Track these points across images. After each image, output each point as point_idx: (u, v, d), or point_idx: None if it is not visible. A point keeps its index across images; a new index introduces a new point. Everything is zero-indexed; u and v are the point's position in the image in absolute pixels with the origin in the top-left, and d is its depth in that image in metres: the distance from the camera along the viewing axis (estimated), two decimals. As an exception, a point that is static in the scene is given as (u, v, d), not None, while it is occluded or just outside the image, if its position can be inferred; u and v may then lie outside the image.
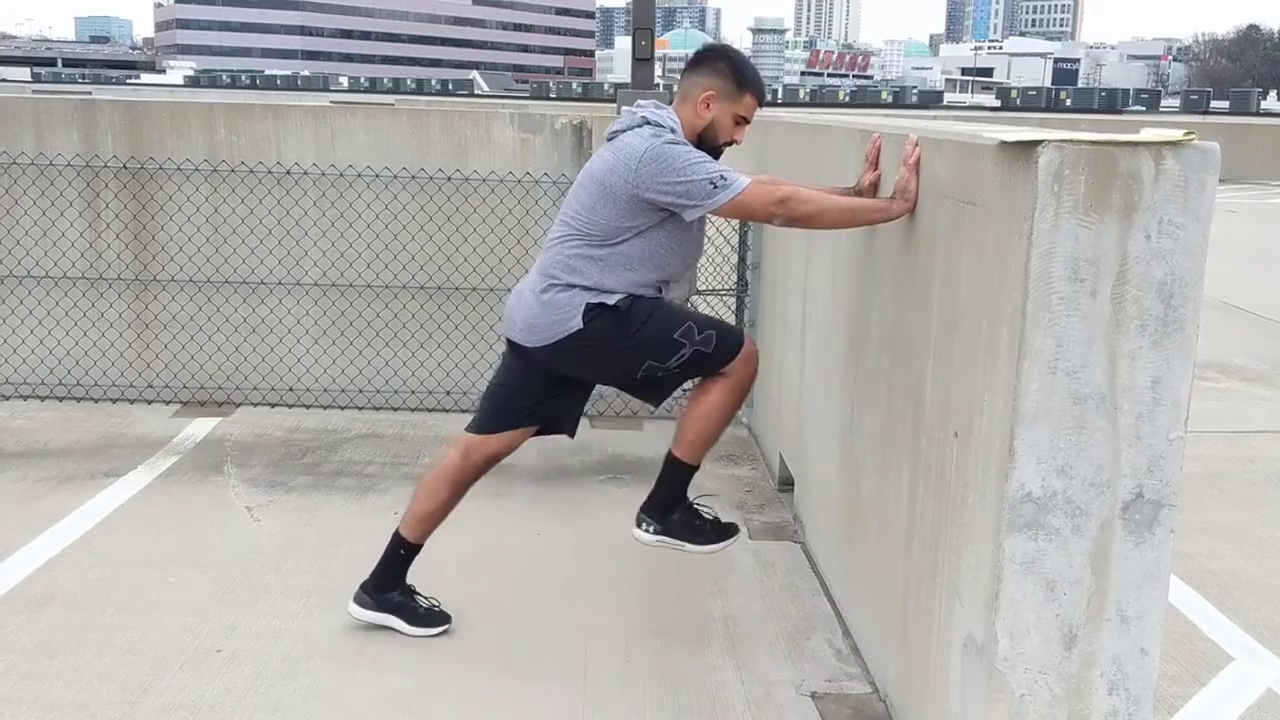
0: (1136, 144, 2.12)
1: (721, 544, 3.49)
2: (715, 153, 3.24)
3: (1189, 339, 2.20)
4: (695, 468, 3.44)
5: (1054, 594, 2.29)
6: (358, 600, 3.48)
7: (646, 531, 3.44)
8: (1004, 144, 2.26)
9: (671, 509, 3.44)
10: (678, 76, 3.63)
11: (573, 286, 3.17)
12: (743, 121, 3.28)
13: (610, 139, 3.22)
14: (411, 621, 3.45)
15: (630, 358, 3.22)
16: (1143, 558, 2.28)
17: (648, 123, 3.15)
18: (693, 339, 3.20)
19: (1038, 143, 2.14)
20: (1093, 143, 2.12)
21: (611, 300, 3.15)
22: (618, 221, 3.12)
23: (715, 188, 3.00)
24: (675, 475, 3.43)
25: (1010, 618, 2.31)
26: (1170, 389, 2.22)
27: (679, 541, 3.44)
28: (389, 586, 3.47)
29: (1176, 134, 2.14)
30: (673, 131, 3.13)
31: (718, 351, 3.25)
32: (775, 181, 3.11)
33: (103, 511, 4.42)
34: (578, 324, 3.15)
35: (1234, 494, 4.99)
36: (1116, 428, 2.23)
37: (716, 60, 3.28)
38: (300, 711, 3.06)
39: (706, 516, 3.49)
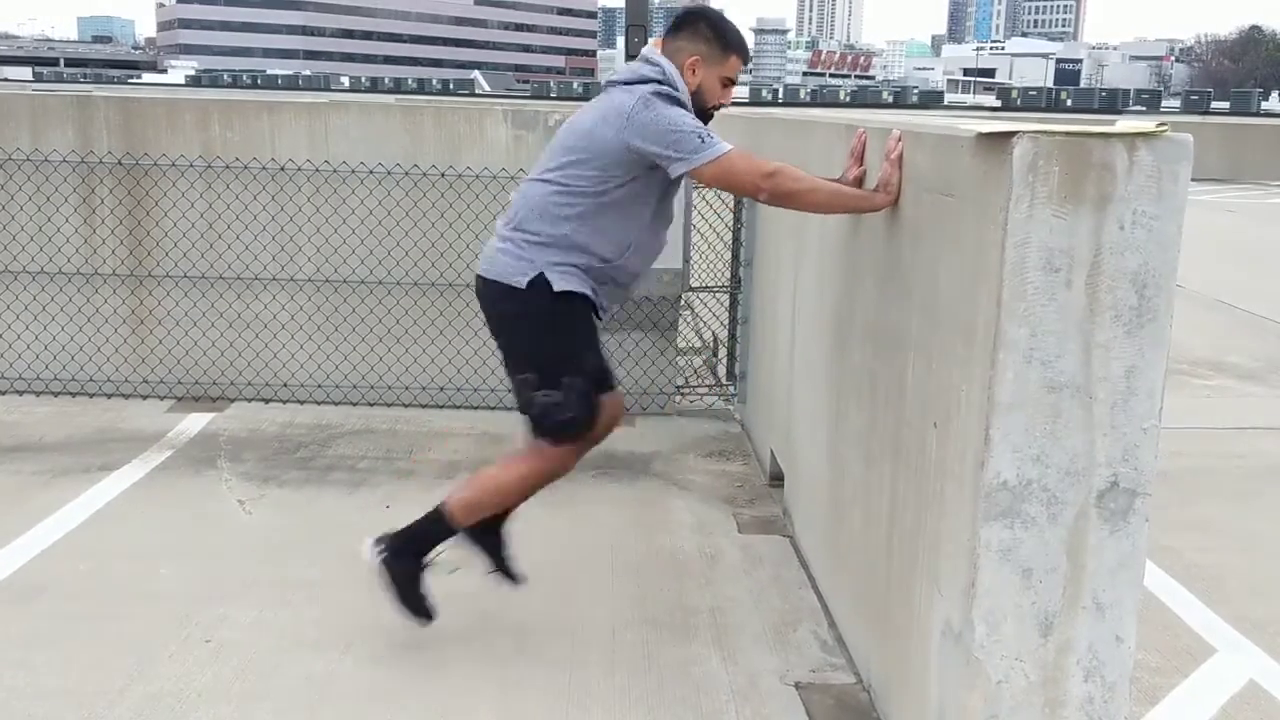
0: (1110, 135, 2.14)
1: (411, 616, 3.31)
2: (705, 116, 3.24)
3: (1162, 329, 2.22)
4: (457, 532, 3.31)
5: (1030, 582, 2.31)
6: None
7: (375, 551, 3.28)
8: (981, 136, 2.28)
9: (405, 556, 3.28)
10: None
11: (539, 242, 3.15)
12: (729, 83, 3.28)
13: (606, 88, 3.23)
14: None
15: (525, 348, 3.22)
16: (1118, 546, 2.30)
17: (648, 80, 3.14)
18: (575, 387, 3.19)
19: (1013, 134, 2.16)
20: (1067, 134, 2.14)
21: (557, 285, 3.14)
22: (601, 170, 3.09)
23: (703, 142, 3.00)
24: (435, 528, 3.29)
25: (987, 605, 2.33)
26: (1144, 378, 2.24)
27: (389, 583, 3.28)
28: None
29: (1149, 125, 2.16)
30: (672, 87, 3.14)
31: (569, 414, 3.21)
32: (765, 160, 3.12)
33: (96, 505, 4.45)
34: (521, 283, 3.15)
35: (1225, 489, 5.00)
36: (1091, 417, 2.25)
37: (698, 23, 3.25)
38: (287, 701, 3.08)
39: (425, 588, 3.32)
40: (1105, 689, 2.36)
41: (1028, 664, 2.35)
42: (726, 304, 6.12)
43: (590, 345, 3.32)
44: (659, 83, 3.14)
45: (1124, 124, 2.18)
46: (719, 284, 6.17)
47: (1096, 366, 2.23)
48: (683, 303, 6.24)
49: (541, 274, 3.15)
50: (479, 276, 3.31)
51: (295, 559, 3.99)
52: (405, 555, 3.30)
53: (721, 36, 3.25)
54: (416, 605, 3.32)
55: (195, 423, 5.53)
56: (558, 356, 3.23)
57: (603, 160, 3.10)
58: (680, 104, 3.15)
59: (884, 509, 2.97)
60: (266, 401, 5.87)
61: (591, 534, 4.30)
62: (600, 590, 3.81)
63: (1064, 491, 2.28)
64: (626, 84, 3.16)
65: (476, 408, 5.76)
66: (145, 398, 5.88)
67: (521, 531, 4.29)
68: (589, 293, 3.21)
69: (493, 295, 3.25)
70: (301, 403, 5.86)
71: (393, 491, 4.65)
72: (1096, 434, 2.26)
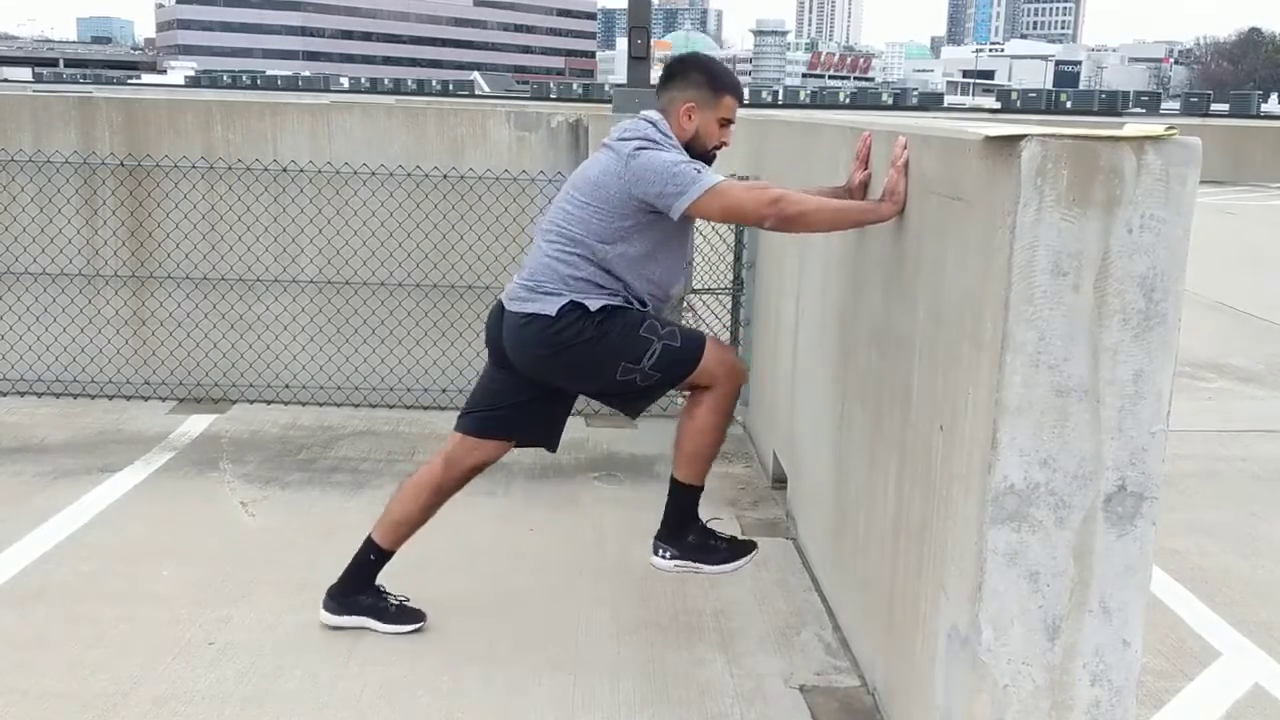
0: (1118, 139, 2.14)
1: (739, 562, 3.49)
2: (707, 158, 3.28)
3: (1170, 332, 2.22)
4: (699, 488, 3.43)
5: (1037, 585, 2.31)
6: (326, 607, 3.47)
7: (663, 558, 3.45)
8: (988, 139, 2.28)
9: (685, 532, 3.44)
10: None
11: (557, 292, 3.17)
12: (726, 124, 3.31)
13: (603, 146, 3.26)
14: (384, 619, 3.45)
15: (602, 357, 3.19)
16: (1125, 549, 2.30)
17: (644, 136, 3.17)
18: (658, 333, 3.19)
19: (1021, 137, 2.16)
20: (1075, 137, 2.14)
21: (594, 305, 3.15)
22: (608, 222, 3.13)
23: (699, 173, 3.04)
24: (681, 497, 3.43)
25: (994, 609, 2.32)
26: (1152, 382, 2.23)
27: (696, 564, 3.45)
28: (357, 590, 3.46)
29: (1158, 129, 2.15)
30: (665, 138, 3.18)
31: (685, 346, 3.23)
32: (765, 186, 3.14)
33: (98, 506, 4.44)
34: (551, 313, 3.15)
35: (1226, 492, 5.00)
36: (1099, 420, 2.24)
37: (689, 71, 3.30)
38: (291, 703, 3.08)
39: (722, 535, 3.50)
40: (1112, 693, 2.36)
41: (1034, 668, 2.35)
42: (729, 306, 6.12)
43: (635, 311, 3.28)
44: (648, 139, 3.15)
45: (1132, 127, 2.18)
46: (721, 286, 6.16)
47: (1104, 370, 2.22)
48: (685, 305, 6.23)
49: (571, 300, 3.15)
50: (502, 309, 3.29)
51: (298, 560, 3.98)
52: (684, 532, 3.43)
53: (713, 80, 3.28)
54: (734, 550, 3.49)
55: (197, 424, 5.52)
56: (622, 331, 3.19)
57: (608, 207, 3.12)
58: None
59: (889, 512, 2.97)
60: (268, 403, 5.86)
61: (595, 536, 4.29)
62: (603, 593, 3.81)
63: (1071, 495, 2.28)
64: (621, 139, 3.18)
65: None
66: (147, 399, 5.87)
67: (524, 533, 4.30)
68: (624, 304, 3.21)
69: (524, 336, 3.21)
70: (303, 404, 5.86)
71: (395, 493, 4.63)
72: (1104, 437, 2.25)
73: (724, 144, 3.33)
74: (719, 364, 3.28)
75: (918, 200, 2.81)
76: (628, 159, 3.09)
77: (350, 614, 3.46)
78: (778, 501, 4.68)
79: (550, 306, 3.16)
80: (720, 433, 3.37)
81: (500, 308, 3.32)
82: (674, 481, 3.43)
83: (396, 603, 3.49)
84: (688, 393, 3.41)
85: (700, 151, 3.26)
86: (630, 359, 3.19)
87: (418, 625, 3.47)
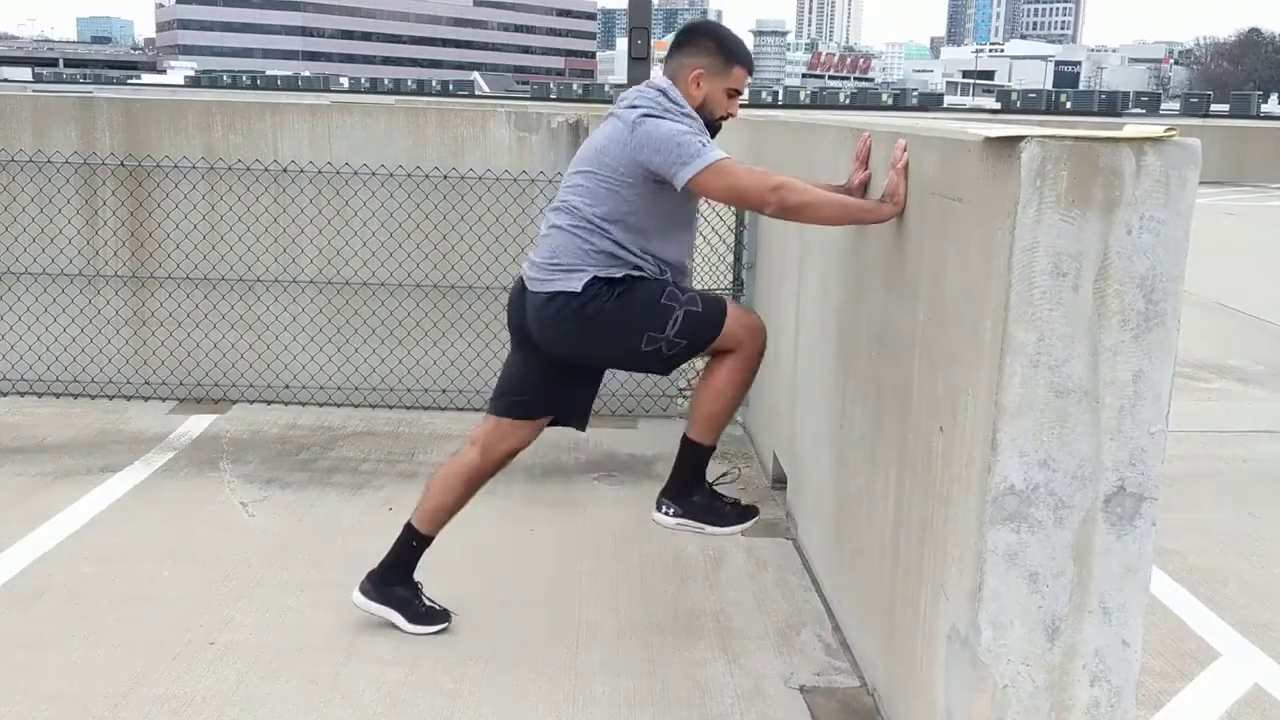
0: (1118, 140, 2.14)
1: (741, 525, 3.49)
2: (712, 128, 3.27)
3: (1170, 333, 2.22)
4: (711, 448, 3.43)
5: (1036, 586, 2.31)
6: (362, 589, 3.48)
7: (666, 514, 3.44)
8: (988, 140, 2.28)
9: (691, 491, 3.44)
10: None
11: (579, 268, 3.17)
12: (734, 94, 3.30)
13: (610, 114, 3.26)
14: (411, 619, 3.46)
15: (625, 329, 3.18)
16: (1124, 550, 2.30)
17: (652, 105, 3.16)
18: (679, 300, 3.19)
19: (1021, 138, 2.16)
20: (1075, 138, 2.14)
21: (617, 274, 3.16)
22: (614, 190, 3.12)
23: (704, 146, 3.02)
24: (692, 456, 3.43)
25: (993, 609, 2.32)
26: (1151, 383, 2.23)
27: (699, 524, 3.44)
28: (395, 580, 3.47)
29: (1158, 130, 2.16)
30: (676, 107, 3.17)
31: (707, 311, 3.21)
32: (770, 173, 3.14)
33: (98, 506, 4.44)
34: (576, 289, 3.15)
35: (1225, 492, 5.00)
36: (1098, 421, 2.24)
37: (701, 38, 3.29)
38: (292, 703, 3.08)
39: (727, 499, 3.50)
40: (1112, 693, 2.36)
41: (1034, 668, 2.35)
42: (728, 306, 6.12)
43: (668, 287, 3.26)
44: (656, 106, 3.14)
45: (1131, 128, 2.18)
46: (721, 286, 6.17)
47: (1104, 371, 2.23)
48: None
49: (594, 275, 3.16)
50: (523, 290, 3.28)
51: (298, 561, 3.99)
52: (690, 491, 3.44)
53: (725, 49, 3.27)
54: (738, 514, 3.48)
55: (197, 424, 5.52)
56: (643, 301, 3.18)
57: (615, 178, 3.12)
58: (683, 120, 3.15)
59: (889, 512, 2.97)
60: (268, 403, 5.86)
61: (595, 536, 4.29)
62: (604, 593, 3.81)
63: (1071, 496, 2.28)
64: (630, 107, 3.18)
65: (479, 409, 5.74)
66: (147, 399, 5.88)
67: (525, 534, 4.31)
68: (642, 274, 3.22)
69: (548, 314, 3.22)
70: (303, 404, 5.86)
71: (395, 493, 4.64)
72: (1103, 438, 2.25)
73: (731, 114, 3.32)
74: (742, 327, 3.27)
75: (918, 201, 2.81)
76: (633, 125, 3.08)
77: (382, 603, 3.46)
78: (778, 501, 4.68)
79: (574, 283, 3.16)
80: (741, 393, 3.36)
81: (521, 289, 3.32)
82: (686, 440, 3.42)
83: (427, 605, 3.49)
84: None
85: (707, 120, 3.25)
86: (654, 328, 3.18)
87: (442, 626, 3.47)
